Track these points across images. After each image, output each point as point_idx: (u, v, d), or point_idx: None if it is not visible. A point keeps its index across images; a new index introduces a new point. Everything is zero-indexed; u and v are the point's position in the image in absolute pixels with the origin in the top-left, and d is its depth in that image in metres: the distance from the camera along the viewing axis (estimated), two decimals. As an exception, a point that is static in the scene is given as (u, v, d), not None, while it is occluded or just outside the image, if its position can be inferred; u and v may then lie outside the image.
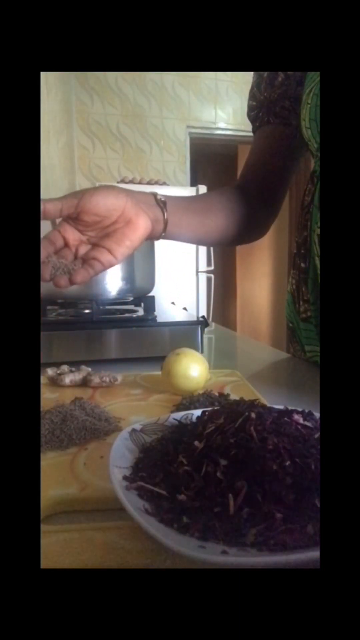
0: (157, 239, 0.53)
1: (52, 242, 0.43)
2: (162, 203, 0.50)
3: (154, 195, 0.50)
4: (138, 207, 0.46)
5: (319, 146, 0.59)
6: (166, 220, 0.50)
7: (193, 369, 0.50)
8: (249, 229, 0.67)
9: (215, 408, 0.35)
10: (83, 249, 0.45)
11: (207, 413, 0.34)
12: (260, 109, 0.69)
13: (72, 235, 0.44)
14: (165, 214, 0.50)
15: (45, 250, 0.42)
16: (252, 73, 0.72)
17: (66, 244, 0.44)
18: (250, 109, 0.72)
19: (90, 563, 0.23)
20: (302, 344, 0.72)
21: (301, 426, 0.30)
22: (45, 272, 0.41)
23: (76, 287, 0.76)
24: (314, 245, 0.63)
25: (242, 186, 0.69)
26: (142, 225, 0.46)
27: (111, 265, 0.45)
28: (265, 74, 0.68)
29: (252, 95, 0.71)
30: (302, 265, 0.68)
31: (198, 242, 0.63)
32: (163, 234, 0.52)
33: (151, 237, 0.50)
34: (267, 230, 0.72)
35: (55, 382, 0.56)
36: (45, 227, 0.75)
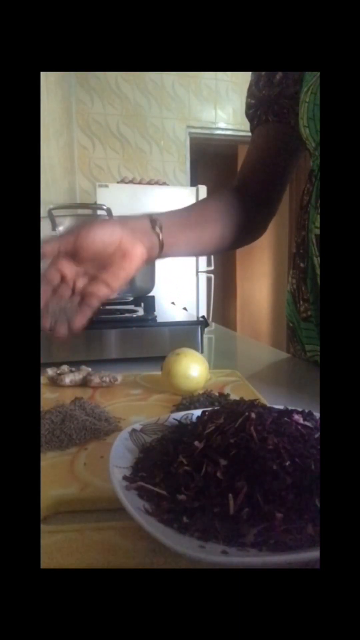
0: (154, 260, 0.54)
1: (49, 281, 0.44)
2: (158, 228, 0.51)
3: (150, 219, 0.51)
4: (134, 237, 0.47)
5: (317, 145, 0.58)
6: (162, 244, 0.51)
7: (193, 369, 0.50)
8: (247, 232, 0.67)
9: (215, 408, 0.35)
10: (81, 282, 0.46)
11: (207, 413, 0.34)
12: (259, 107, 0.69)
13: (69, 269, 0.45)
14: (161, 237, 0.51)
15: (44, 295, 0.43)
16: (252, 73, 0.72)
17: (63, 279, 0.45)
18: (249, 106, 0.72)
19: (90, 563, 0.23)
20: (302, 343, 0.72)
21: (301, 426, 0.30)
22: (46, 322, 0.43)
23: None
24: (311, 245, 0.63)
25: (240, 187, 0.69)
26: (138, 255, 0.47)
27: (108, 297, 0.46)
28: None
29: (251, 93, 0.71)
30: (302, 265, 0.68)
31: (195, 255, 0.64)
32: (159, 256, 0.53)
33: (147, 261, 0.51)
34: (265, 230, 0.72)
35: (55, 382, 0.56)
36: (45, 227, 0.75)
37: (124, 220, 0.48)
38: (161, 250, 0.51)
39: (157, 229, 0.50)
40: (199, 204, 0.64)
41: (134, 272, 0.47)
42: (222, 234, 0.62)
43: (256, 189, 0.68)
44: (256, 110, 0.70)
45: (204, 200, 0.66)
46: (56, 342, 0.70)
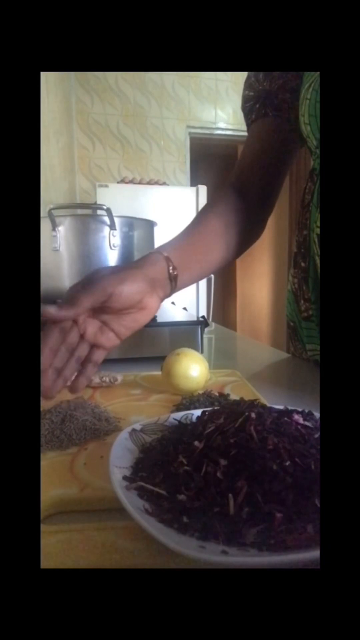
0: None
1: (53, 348, 0.40)
2: (172, 269, 0.49)
3: (166, 260, 0.48)
4: (154, 291, 0.46)
5: (319, 143, 0.58)
6: (175, 285, 0.50)
7: (193, 369, 0.50)
8: (250, 235, 0.65)
9: (216, 408, 0.35)
10: (91, 328, 0.43)
11: (207, 413, 0.34)
12: (258, 100, 0.67)
13: (91, 313, 0.43)
14: (178, 282, 0.49)
15: (49, 355, 0.39)
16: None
17: (75, 322, 0.42)
18: (246, 99, 0.69)
19: (90, 563, 0.23)
20: (303, 342, 0.72)
21: (301, 426, 0.30)
22: (47, 380, 0.38)
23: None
24: (313, 244, 0.63)
25: (238, 184, 0.67)
26: (154, 308, 0.46)
27: (112, 348, 0.45)
28: None
29: (249, 85, 0.69)
30: (303, 264, 0.68)
31: (203, 278, 0.62)
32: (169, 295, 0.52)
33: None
34: (264, 228, 0.71)
35: (55, 382, 0.56)
36: (45, 227, 0.75)
37: (144, 270, 0.45)
38: (173, 291, 0.50)
39: (172, 271, 0.48)
40: (200, 223, 0.61)
41: (145, 324, 0.46)
42: (228, 248, 0.61)
43: (255, 184, 0.67)
44: (255, 103, 0.68)
45: (204, 215, 0.63)
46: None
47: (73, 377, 0.41)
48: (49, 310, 0.39)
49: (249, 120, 0.70)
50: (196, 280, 0.57)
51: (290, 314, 0.75)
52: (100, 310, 0.42)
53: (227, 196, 0.65)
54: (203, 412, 0.35)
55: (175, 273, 0.49)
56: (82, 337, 0.42)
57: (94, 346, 0.43)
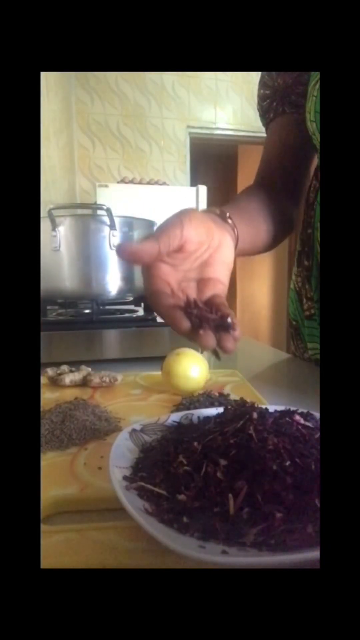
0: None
1: (163, 292, 0.36)
2: (230, 219, 0.46)
3: (221, 211, 0.45)
4: (221, 227, 0.42)
5: None
6: (237, 237, 0.46)
7: (193, 369, 0.50)
8: (282, 229, 0.64)
9: (221, 411, 0.35)
10: (191, 291, 0.39)
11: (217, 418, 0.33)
12: (274, 98, 0.66)
13: (173, 276, 0.38)
14: (236, 231, 0.46)
15: (168, 302, 0.35)
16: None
17: (172, 292, 0.37)
18: (263, 98, 0.69)
19: (90, 563, 0.23)
20: (305, 341, 0.72)
21: (301, 426, 0.30)
22: (183, 322, 0.34)
23: (76, 287, 0.77)
24: (316, 243, 0.63)
25: (266, 184, 0.67)
26: (231, 244, 0.42)
27: (225, 293, 0.40)
28: None
29: (264, 84, 0.68)
30: (306, 262, 0.68)
31: (246, 254, 0.57)
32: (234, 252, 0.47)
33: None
34: (294, 226, 0.69)
35: (55, 382, 0.56)
36: (45, 227, 0.75)
37: (203, 211, 0.42)
38: (236, 245, 0.46)
39: (229, 220, 0.45)
40: (244, 199, 0.58)
41: (232, 264, 0.42)
42: (269, 230, 0.59)
43: (283, 184, 0.66)
44: (271, 101, 0.67)
45: (246, 195, 0.60)
46: (56, 342, 0.70)
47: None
48: (126, 248, 0.33)
49: (267, 120, 0.70)
50: (246, 251, 0.53)
51: (293, 313, 0.75)
52: (179, 256, 0.38)
53: (257, 190, 0.64)
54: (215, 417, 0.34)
55: (230, 216, 0.45)
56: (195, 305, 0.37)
57: (207, 303, 0.38)
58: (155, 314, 0.82)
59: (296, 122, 0.65)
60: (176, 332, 0.34)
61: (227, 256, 0.41)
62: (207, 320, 0.34)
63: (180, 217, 0.37)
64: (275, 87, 0.66)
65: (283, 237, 0.66)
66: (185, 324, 0.33)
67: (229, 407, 0.34)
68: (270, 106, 0.68)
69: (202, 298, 0.38)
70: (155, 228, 0.92)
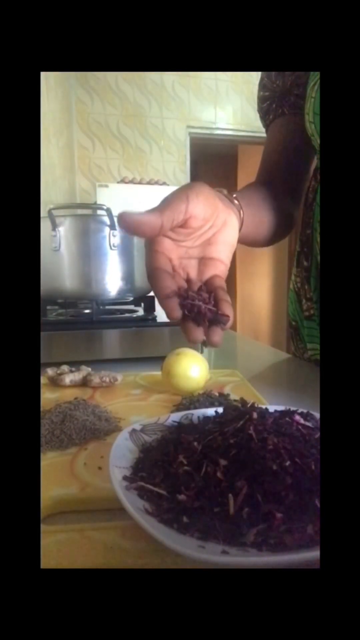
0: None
1: (164, 270, 0.34)
2: (237, 201, 0.44)
3: (228, 192, 0.44)
4: (228, 208, 0.41)
5: None
6: (242, 220, 0.45)
7: (193, 369, 0.50)
8: (285, 225, 0.64)
9: (220, 411, 0.35)
10: (192, 269, 0.38)
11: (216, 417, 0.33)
12: (273, 100, 0.67)
13: (175, 252, 0.37)
14: (242, 213, 0.45)
15: (166, 283, 0.34)
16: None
17: (174, 270, 0.36)
18: (262, 100, 0.69)
19: (90, 563, 0.23)
20: (304, 342, 0.72)
21: (301, 426, 0.30)
22: (176, 311, 0.33)
23: (76, 287, 0.77)
24: (315, 243, 0.63)
25: (266, 183, 0.66)
26: (236, 226, 0.41)
27: (225, 275, 0.39)
28: None
29: (263, 86, 0.69)
30: (305, 263, 0.68)
31: (249, 243, 0.56)
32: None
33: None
34: (294, 224, 0.69)
35: (55, 382, 0.56)
36: (45, 227, 0.76)
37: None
38: (240, 228, 0.44)
39: (236, 201, 0.43)
40: (249, 191, 0.57)
41: (235, 244, 0.41)
42: (271, 223, 0.58)
43: (282, 181, 0.66)
44: (271, 103, 0.68)
45: (250, 189, 0.59)
46: (56, 342, 0.70)
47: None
48: (128, 218, 0.32)
49: (267, 121, 0.70)
50: (248, 237, 0.51)
51: (292, 313, 0.75)
52: (183, 232, 0.37)
53: (259, 186, 0.64)
54: (213, 416, 0.34)
55: (238, 204, 0.44)
56: (190, 282, 0.37)
57: (206, 283, 0.38)
58: (155, 313, 0.82)
59: (295, 123, 0.65)
60: (167, 316, 0.33)
61: (231, 237, 0.40)
62: (200, 312, 0.34)
63: (187, 191, 0.36)
64: (274, 89, 0.67)
65: (283, 235, 0.66)
66: (177, 313, 0.32)
67: (229, 408, 0.34)
68: (270, 108, 0.68)
69: (202, 278, 0.38)
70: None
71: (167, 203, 0.35)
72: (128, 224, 0.32)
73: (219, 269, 0.39)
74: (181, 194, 0.36)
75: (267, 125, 0.71)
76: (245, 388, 0.54)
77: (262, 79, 0.70)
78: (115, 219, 0.77)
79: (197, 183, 0.38)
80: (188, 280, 0.37)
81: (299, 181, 0.68)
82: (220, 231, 0.39)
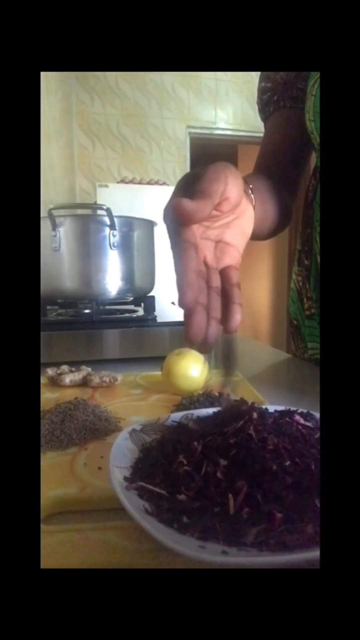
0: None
1: (192, 256, 0.31)
2: (250, 189, 0.43)
3: (244, 181, 0.41)
4: (247, 196, 0.40)
5: None
6: (254, 210, 0.44)
7: (193, 369, 0.50)
8: (285, 218, 0.63)
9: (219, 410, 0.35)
10: (209, 252, 0.37)
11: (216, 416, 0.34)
12: (275, 92, 0.66)
13: (197, 229, 0.35)
14: (254, 202, 0.44)
15: (191, 265, 0.30)
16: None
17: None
18: (263, 91, 0.68)
19: (90, 563, 0.23)
20: (305, 341, 0.72)
21: (301, 426, 0.30)
22: (190, 296, 0.29)
23: (76, 287, 0.77)
24: (315, 242, 0.63)
25: (265, 175, 0.64)
26: (252, 217, 0.40)
27: (238, 264, 0.38)
28: None
29: (266, 76, 0.68)
30: (306, 262, 0.68)
31: (254, 237, 0.53)
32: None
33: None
34: (291, 218, 0.67)
35: (55, 382, 0.56)
36: (45, 227, 0.76)
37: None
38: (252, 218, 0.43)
39: (250, 193, 0.42)
40: (254, 180, 0.54)
41: (248, 238, 0.40)
42: (274, 215, 0.57)
43: (280, 174, 0.64)
44: (272, 95, 0.67)
45: (254, 178, 0.57)
46: (56, 342, 0.70)
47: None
48: (186, 205, 0.30)
49: (267, 113, 0.69)
50: (254, 234, 0.48)
51: (293, 312, 0.75)
52: (212, 221, 0.36)
53: (260, 176, 0.61)
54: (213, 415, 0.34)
55: (252, 197, 0.44)
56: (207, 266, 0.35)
57: (221, 273, 0.36)
58: (155, 313, 0.82)
59: (295, 117, 0.64)
60: (179, 296, 0.30)
61: (247, 226, 0.40)
62: (209, 308, 0.32)
63: (225, 173, 0.34)
64: (276, 81, 0.66)
65: (282, 228, 0.64)
66: (190, 296, 0.29)
67: (226, 404, 0.34)
68: (271, 99, 0.67)
69: (218, 264, 0.36)
70: (154, 228, 0.92)
71: (207, 183, 0.33)
72: (184, 214, 0.30)
73: (235, 258, 0.38)
74: (220, 174, 0.34)
75: (265, 117, 0.70)
76: (246, 388, 0.54)
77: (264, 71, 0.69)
78: (116, 219, 0.77)
79: (227, 164, 0.36)
80: (205, 264, 0.36)
81: (297, 174, 0.67)
82: (239, 218, 0.39)
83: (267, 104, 0.68)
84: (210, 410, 0.38)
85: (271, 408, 0.34)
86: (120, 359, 0.72)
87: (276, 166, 0.66)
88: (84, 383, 0.56)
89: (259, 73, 0.70)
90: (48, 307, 0.88)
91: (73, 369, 0.59)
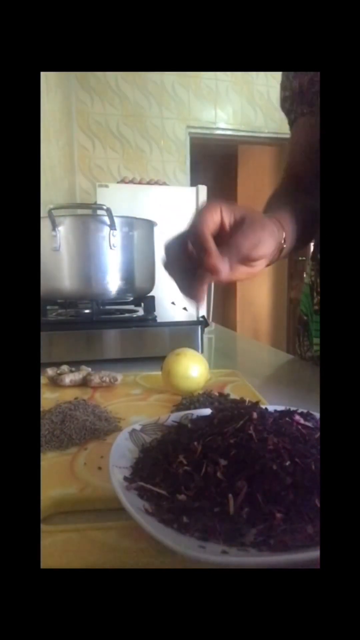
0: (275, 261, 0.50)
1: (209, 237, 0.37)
2: (282, 249, 0.47)
3: (282, 235, 0.47)
4: (272, 236, 0.43)
5: None
6: (282, 250, 0.48)
7: (193, 369, 0.50)
8: (315, 225, 0.64)
9: (218, 409, 0.35)
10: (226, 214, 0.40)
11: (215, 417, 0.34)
12: (293, 100, 0.68)
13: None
14: (278, 257, 0.48)
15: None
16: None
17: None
18: (284, 100, 0.71)
19: (90, 563, 0.23)
20: (311, 337, 0.72)
21: (301, 426, 0.30)
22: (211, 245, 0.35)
23: (76, 287, 0.77)
24: None
25: (291, 181, 0.68)
26: (273, 243, 0.43)
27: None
28: None
29: (284, 87, 0.70)
30: (318, 256, 0.68)
31: (295, 251, 0.59)
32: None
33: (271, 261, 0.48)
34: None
35: (55, 382, 0.56)
36: (45, 227, 0.75)
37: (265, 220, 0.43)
38: (279, 257, 0.48)
39: (283, 242, 0.46)
40: (282, 197, 0.59)
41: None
42: (303, 231, 0.59)
43: (306, 178, 0.67)
44: (291, 103, 0.69)
45: (283, 194, 0.61)
46: (56, 342, 0.70)
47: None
48: (224, 269, 0.36)
49: (290, 120, 0.72)
50: (293, 251, 0.54)
51: (304, 307, 0.75)
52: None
53: (288, 194, 0.65)
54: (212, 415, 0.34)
55: (284, 246, 0.47)
56: None
57: (237, 227, 0.40)
58: (155, 313, 0.82)
59: (315, 121, 0.66)
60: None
61: (258, 267, 0.42)
62: (200, 263, 0.36)
63: (264, 233, 0.39)
64: (292, 89, 0.68)
65: (316, 234, 0.66)
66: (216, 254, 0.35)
67: (219, 404, 0.34)
68: (291, 108, 0.70)
69: (233, 219, 0.39)
70: (154, 228, 0.92)
71: (248, 249, 0.38)
72: (218, 274, 0.36)
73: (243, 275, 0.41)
74: (257, 234, 0.38)
75: (291, 123, 0.72)
76: (246, 388, 0.54)
77: (282, 80, 0.71)
78: (116, 219, 0.77)
79: (262, 216, 0.41)
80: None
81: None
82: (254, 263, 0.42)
83: (289, 113, 0.71)
84: (210, 411, 0.38)
85: (271, 408, 0.34)
86: (120, 359, 0.72)
87: (303, 174, 0.68)
88: (84, 383, 0.56)
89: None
90: (48, 307, 0.88)
91: (73, 369, 0.59)
